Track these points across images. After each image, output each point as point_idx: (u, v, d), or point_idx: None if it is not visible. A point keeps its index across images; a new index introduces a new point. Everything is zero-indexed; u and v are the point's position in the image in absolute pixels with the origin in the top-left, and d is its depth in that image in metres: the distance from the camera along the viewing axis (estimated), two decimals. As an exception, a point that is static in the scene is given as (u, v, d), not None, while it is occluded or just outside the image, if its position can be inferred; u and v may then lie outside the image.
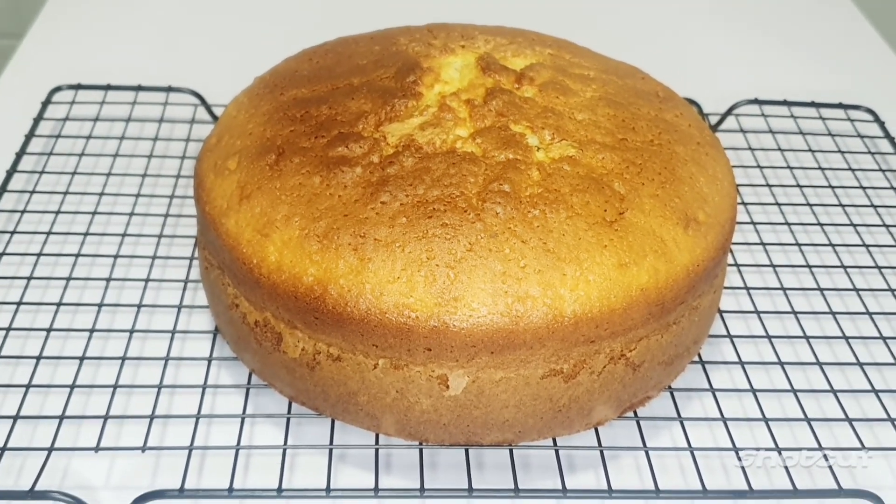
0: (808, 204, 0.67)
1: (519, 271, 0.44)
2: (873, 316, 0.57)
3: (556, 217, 0.45)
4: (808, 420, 0.50)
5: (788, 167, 0.70)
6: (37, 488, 0.44)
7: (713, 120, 0.74)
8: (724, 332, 0.56)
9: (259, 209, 0.47)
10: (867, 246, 0.63)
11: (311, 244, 0.45)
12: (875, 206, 0.67)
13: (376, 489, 0.45)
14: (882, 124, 0.74)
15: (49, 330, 0.53)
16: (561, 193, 0.46)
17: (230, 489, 0.44)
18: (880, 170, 0.71)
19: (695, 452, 0.48)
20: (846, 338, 0.56)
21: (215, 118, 0.72)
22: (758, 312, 0.57)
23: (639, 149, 0.50)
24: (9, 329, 0.53)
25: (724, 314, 0.57)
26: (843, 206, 0.67)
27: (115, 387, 0.50)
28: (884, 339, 0.56)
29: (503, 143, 0.48)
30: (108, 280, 0.57)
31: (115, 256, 0.59)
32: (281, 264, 0.46)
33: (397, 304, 0.44)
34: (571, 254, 0.45)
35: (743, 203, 0.66)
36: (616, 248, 0.45)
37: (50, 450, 0.46)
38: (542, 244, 0.45)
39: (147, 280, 0.57)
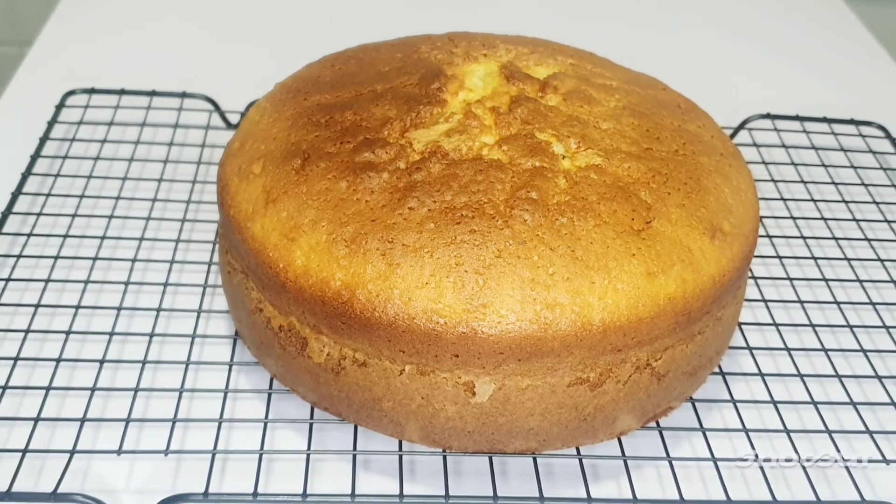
0: (823, 218, 0.67)
1: (548, 278, 0.44)
2: (890, 329, 0.58)
3: (584, 225, 0.45)
4: (829, 432, 0.50)
5: (802, 181, 0.71)
6: (59, 491, 0.44)
7: (726, 133, 0.74)
8: (744, 344, 0.56)
9: (286, 213, 0.47)
10: (882, 260, 0.63)
11: (338, 249, 0.45)
12: (889, 221, 0.67)
13: (401, 495, 0.45)
14: (893, 140, 0.75)
15: (68, 333, 0.53)
16: (588, 201, 0.46)
17: (255, 493, 0.44)
18: (892, 185, 0.71)
19: (718, 463, 0.48)
20: (864, 351, 0.56)
21: (229, 124, 0.72)
22: (776, 325, 0.57)
23: (664, 158, 0.50)
24: (27, 331, 0.53)
25: (742, 326, 0.57)
26: (857, 220, 0.67)
27: (135, 390, 0.50)
28: (901, 352, 0.56)
29: (529, 150, 0.48)
30: (127, 284, 0.56)
31: (133, 260, 0.58)
32: (308, 269, 0.45)
33: (426, 309, 0.44)
34: (600, 262, 0.45)
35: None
36: (644, 257, 0.45)
37: (72, 452, 0.46)
38: (570, 252, 0.45)
39: (165, 284, 0.57)
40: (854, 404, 0.52)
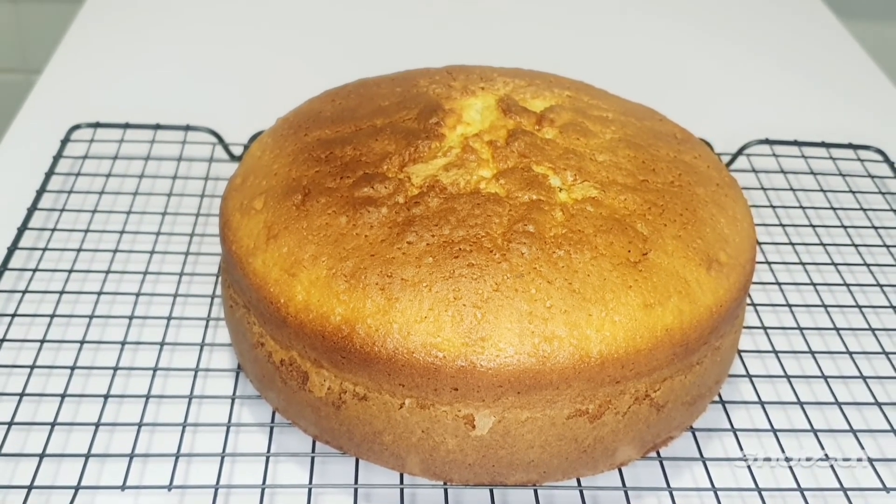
0: (822, 244, 0.67)
1: (545, 311, 0.44)
2: (889, 356, 0.58)
3: (580, 257, 0.46)
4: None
5: (801, 207, 0.71)
6: (63, 527, 0.44)
7: (724, 160, 0.75)
8: (744, 372, 0.56)
9: (286, 249, 0.48)
10: (881, 286, 0.64)
11: (338, 284, 0.46)
12: (888, 246, 0.67)
13: (402, 529, 0.45)
14: (891, 164, 0.75)
15: (72, 368, 0.53)
16: (585, 234, 0.47)
17: (257, 529, 0.44)
18: (891, 209, 0.72)
19: (718, 493, 0.48)
20: (863, 377, 0.56)
21: (232, 157, 0.72)
22: (776, 352, 0.58)
23: (660, 190, 0.50)
24: (32, 367, 0.53)
25: (742, 353, 0.57)
26: (855, 245, 0.67)
27: (139, 425, 0.50)
28: (901, 378, 0.56)
29: (526, 183, 0.49)
30: (131, 318, 0.57)
31: (137, 294, 0.59)
32: (308, 304, 0.46)
33: (425, 343, 0.44)
34: (597, 294, 0.45)
35: (757, 243, 0.66)
36: (641, 289, 0.46)
37: (77, 488, 0.46)
38: (567, 284, 0.45)
39: (169, 318, 0.57)
40: (854, 431, 0.52)
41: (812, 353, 0.58)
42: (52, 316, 0.57)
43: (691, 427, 0.52)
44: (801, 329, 0.59)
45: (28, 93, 0.83)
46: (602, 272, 0.46)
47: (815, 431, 0.52)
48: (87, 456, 0.48)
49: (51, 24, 1.11)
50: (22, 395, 0.51)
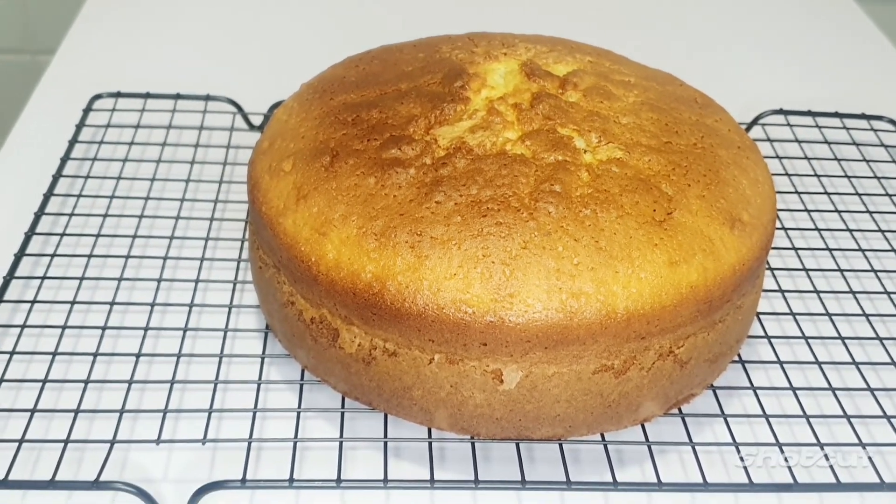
0: (837, 210, 0.68)
1: (572, 268, 0.45)
2: (913, 319, 0.59)
3: (606, 216, 0.47)
4: (847, 417, 0.51)
5: (815, 175, 0.72)
6: (101, 479, 0.45)
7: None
8: (762, 333, 0.57)
9: (316, 209, 0.49)
10: (896, 250, 0.65)
11: (368, 242, 0.47)
12: (902, 212, 0.68)
13: (432, 480, 0.46)
14: (904, 134, 0.76)
15: (103, 328, 0.54)
16: (611, 194, 0.48)
17: (291, 480, 0.45)
18: (904, 178, 0.72)
19: (740, 448, 0.49)
20: (880, 339, 0.57)
21: (252, 126, 0.73)
22: (793, 314, 0.58)
23: (683, 152, 0.51)
24: (64, 327, 0.54)
25: (760, 316, 0.58)
26: (870, 212, 0.68)
27: (171, 382, 0.51)
28: (916, 339, 0.57)
29: (552, 145, 0.50)
30: (159, 280, 0.58)
31: (164, 258, 0.60)
32: (339, 262, 0.47)
33: (454, 299, 0.45)
34: (623, 252, 0.46)
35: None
36: (666, 247, 0.46)
37: (112, 442, 0.47)
38: (594, 242, 0.46)
39: (196, 281, 0.58)
40: (871, 390, 0.53)
41: (829, 315, 0.58)
42: (82, 279, 0.58)
43: (712, 385, 0.53)
44: (818, 292, 0.60)
45: (39, 74, 0.83)
46: (628, 230, 0.47)
47: (833, 390, 0.53)
48: (122, 412, 0.49)
49: (60, 6, 1.12)
50: (55, 354, 0.52)
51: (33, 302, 0.56)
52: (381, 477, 0.46)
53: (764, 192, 0.52)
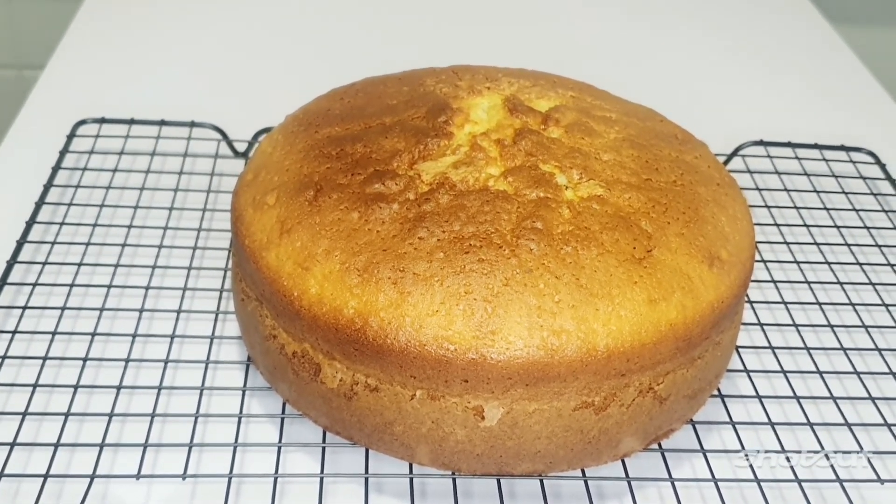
0: (816, 243, 0.69)
1: (553, 306, 0.46)
2: (882, 352, 0.60)
3: (587, 254, 0.47)
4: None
5: (795, 207, 0.73)
6: (80, 515, 0.45)
7: (720, 160, 0.76)
8: (741, 367, 0.57)
9: (300, 243, 0.49)
10: (873, 284, 0.65)
11: (351, 278, 0.47)
12: (879, 246, 0.69)
13: (413, 517, 0.46)
14: (883, 166, 0.77)
15: (84, 359, 0.54)
16: (591, 231, 0.48)
17: (271, 516, 0.45)
18: (882, 210, 0.73)
19: (719, 483, 0.50)
20: (857, 373, 0.58)
21: (236, 153, 0.73)
22: (772, 348, 0.59)
23: (663, 189, 0.52)
24: (45, 358, 0.54)
25: (739, 349, 0.59)
26: (848, 245, 0.69)
27: (152, 415, 0.51)
28: (892, 373, 0.58)
29: (534, 181, 0.50)
30: (141, 311, 0.58)
31: (146, 288, 0.60)
32: (322, 297, 0.47)
33: (436, 336, 0.45)
34: (603, 289, 0.46)
35: (753, 241, 0.68)
36: (646, 285, 0.47)
37: (92, 477, 0.47)
38: (574, 280, 0.46)
39: (178, 311, 0.58)
40: (849, 425, 0.54)
41: (807, 349, 0.59)
42: (63, 308, 0.58)
43: (692, 420, 0.53)
44: (796, 325, 0.61)
45: (25, 90, 0.83)
46: (608, 268, 0.47)
47: (811, 425, 0.54)
48: (102, 445, 0.49)
49: (47, 20, 1.12)
50: (35, 385, 0.52)
51: (14, 333, 0.56)
52: (362, 513, 0.47)
53: (743, 229, 0.53)
